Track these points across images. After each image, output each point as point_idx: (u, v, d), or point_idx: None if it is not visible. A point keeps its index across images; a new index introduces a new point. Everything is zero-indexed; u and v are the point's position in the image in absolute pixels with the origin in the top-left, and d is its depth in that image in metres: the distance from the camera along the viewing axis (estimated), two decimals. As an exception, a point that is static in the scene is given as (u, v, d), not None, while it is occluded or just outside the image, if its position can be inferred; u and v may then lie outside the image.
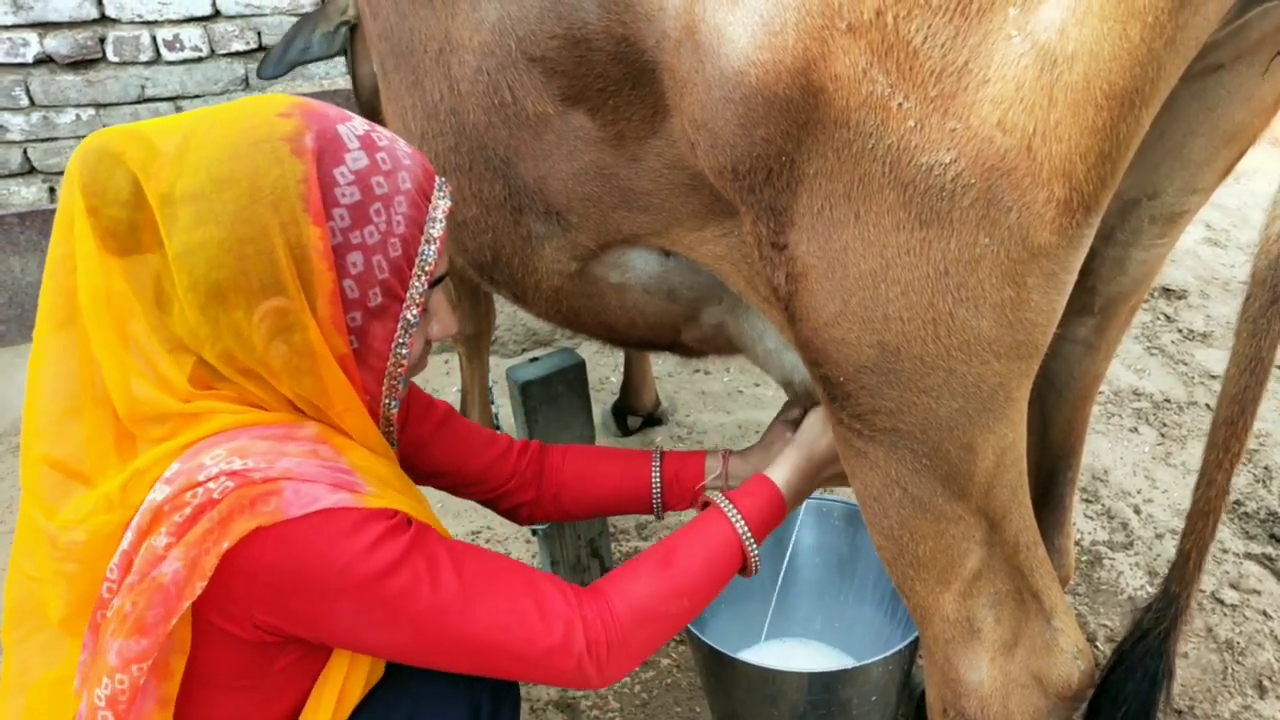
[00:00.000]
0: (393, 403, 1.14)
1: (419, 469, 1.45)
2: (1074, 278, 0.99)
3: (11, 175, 3.96)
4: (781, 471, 1.34)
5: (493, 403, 2.71)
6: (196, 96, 4.06)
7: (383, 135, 1.08)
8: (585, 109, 1.17)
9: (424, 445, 1.44)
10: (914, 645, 1.58)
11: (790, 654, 1.93)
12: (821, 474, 1.37)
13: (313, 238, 0.99)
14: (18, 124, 3.87)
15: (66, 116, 3.92)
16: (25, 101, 3.84)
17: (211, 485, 0.95)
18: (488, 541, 2.57)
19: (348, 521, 1.00)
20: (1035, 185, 0.90)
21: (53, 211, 1.07)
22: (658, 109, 1.14)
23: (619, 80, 1.13)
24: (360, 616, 1.02)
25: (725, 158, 1.04)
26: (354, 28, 2.45)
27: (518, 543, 2.56)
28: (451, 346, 3.39)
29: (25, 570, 1.03)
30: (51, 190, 4.03)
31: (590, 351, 3.41)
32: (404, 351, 1.10)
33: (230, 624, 1.00)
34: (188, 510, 0.95)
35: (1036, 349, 1.02)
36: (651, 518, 2.59)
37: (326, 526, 0.99)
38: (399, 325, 1.09)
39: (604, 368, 3.36)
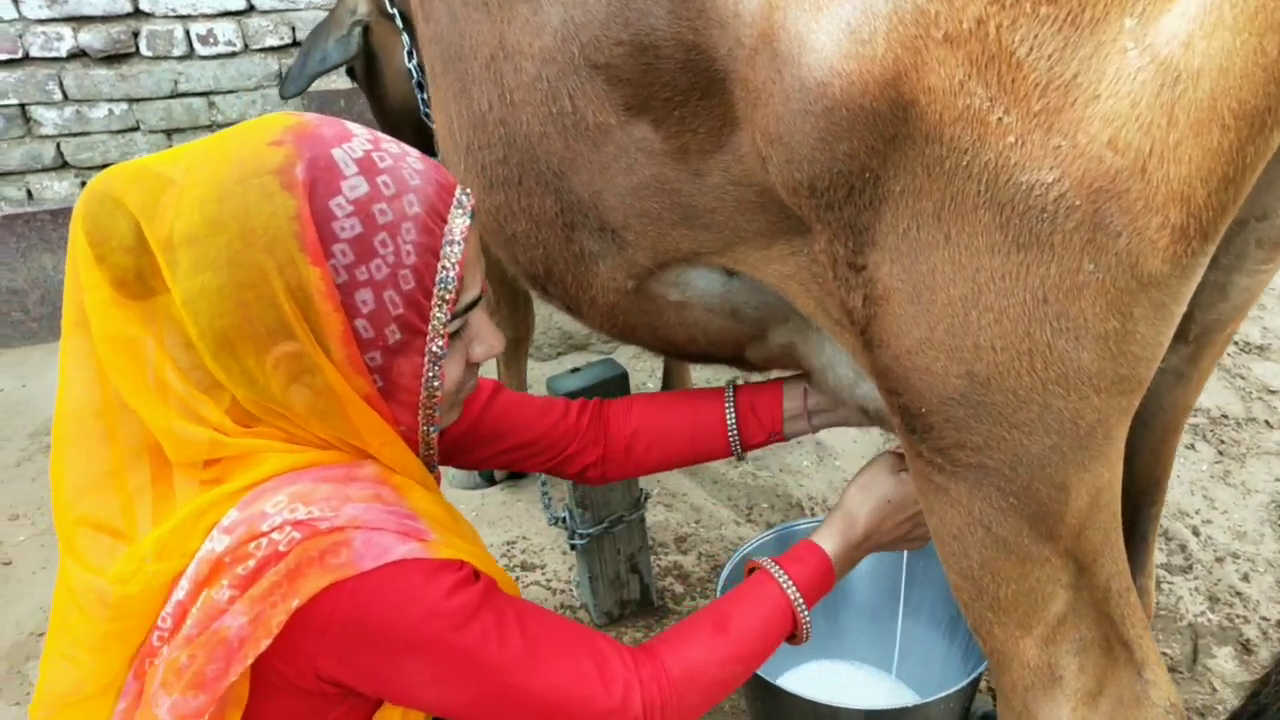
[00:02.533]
0: (432, 429, 1.08)
1: (475, 450, 1.40)
2: (1183, 309, 0.92)
3: (45, 170, 3.94)
4: (830, 539, 1.28)
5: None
6: (230, 92, 4.02)
7: (387, 154, 0.98)
8: (649, 120, 1.11)
9: (476, 425, 1.39)
10: (976, 681, 1.51)
11: (838, 677, 1.86)
12: (866, 546, 1.30)
13: (313, 279, 0.92)
14: (51, 118, 3.85)
15: (99, 111, 3.89)
16: (59, 96, 3.82)
17: (276, 536, 0.89)
18: (523, 552, 2.52)
19: (419, 574, 0.94)
20: (1148, 210, 0.83)
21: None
22: (726, 121, 1.07)
23: (687, 90, 1.07)
24: (427, 673, 0.97)
25: (802, 173, 0.97)
26: (367, 28, 2.40)
27: (554, 554, 2.50)
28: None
29: (62, 650, 0.96)
30: (83, 184, 4.02)
31: (626, 357, 3.35)
32: (436, 384, 1.03)
33: (292, 673, 0.95)
34: (251, 563, 0.89)
35: (1139, 384, 0.95)
36: (690, 531, 2.53)
37: (399, 580, 0.93)
38: (425, 360, 1.01)
39: (641, 374, 3.30)
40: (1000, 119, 0.85)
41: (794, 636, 1.23)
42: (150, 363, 0.94)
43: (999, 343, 0.92)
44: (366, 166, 0.96)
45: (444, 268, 0.99)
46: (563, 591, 2.38)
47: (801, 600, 1.21)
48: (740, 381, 1.49)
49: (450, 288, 1.00)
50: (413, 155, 1.02)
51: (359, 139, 0.98)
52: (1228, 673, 2.04)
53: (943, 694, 1.45)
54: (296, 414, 0.96)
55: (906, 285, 0.96)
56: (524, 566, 2.47)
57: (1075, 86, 0.82)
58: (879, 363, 1.03)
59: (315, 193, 0.92)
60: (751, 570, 1.27)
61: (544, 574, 2.44)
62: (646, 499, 2.19)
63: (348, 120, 1.02)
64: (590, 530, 2.13)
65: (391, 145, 1.01)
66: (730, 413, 1.43)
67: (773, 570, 1.23)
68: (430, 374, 1.02)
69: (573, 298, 1.35)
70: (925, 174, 0.90)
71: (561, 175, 1.21)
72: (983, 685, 1.94)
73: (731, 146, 1.08)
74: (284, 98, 2.56)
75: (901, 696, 1.81)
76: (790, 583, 1.21)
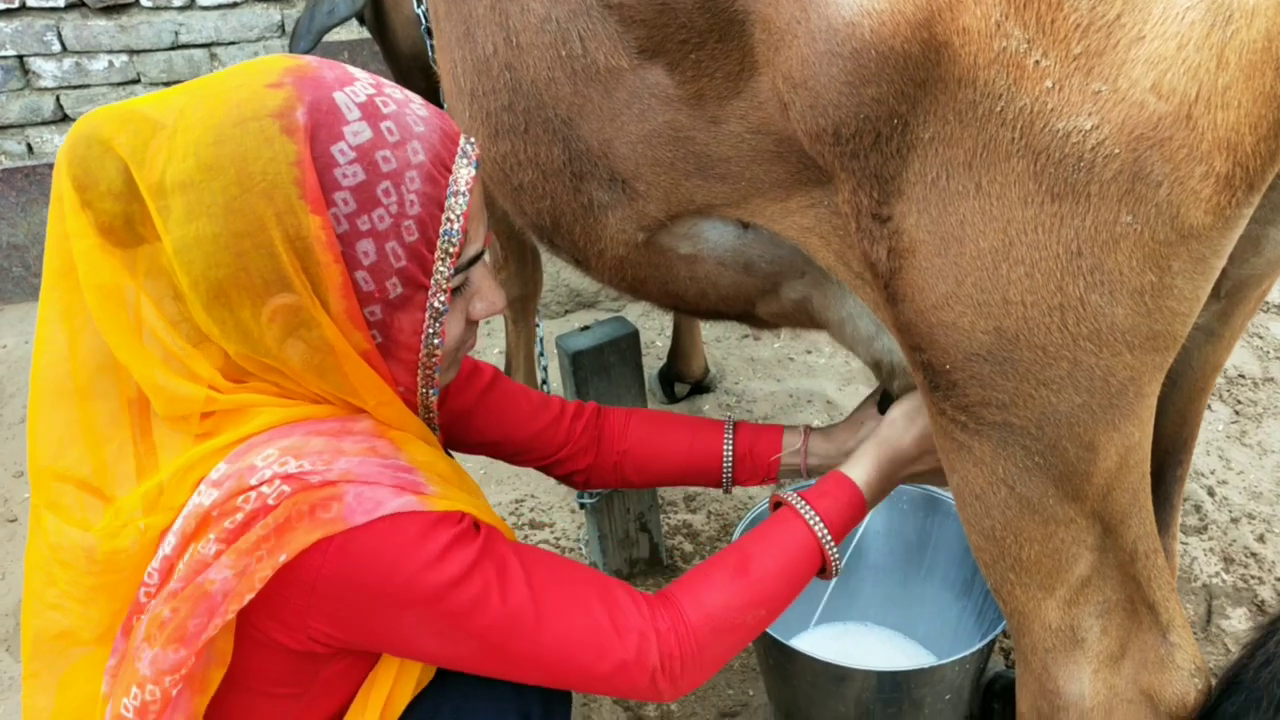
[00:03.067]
0: (431, 392, 1.04)
1: (466, 438, 1.37)
2: (1223, 263, 0.88)
3: (44, 123, 3.88)
4: (861, 469, 1.24)
5: (544, 367, 2.62)
6: (231, 43, 3.95)
7: (390, 99, 0.94)
8: (663, 63, 1.06)
9: (470, 413, 1.35)
10: (992, 643, 1.49)
11: (851, 638, 1.85)
12: (902, 473, 1.27)
13: (313, 227, 0.88)
14: (50, 70, 3.78)
15: (99, 63, 3.83)
16: (57, 47, 3.75)
17: (265, 489, 0.87)
18: (531, 510, 2.50)
19: (414, 528, 0.92)
20: (1192, 158, 0.80)
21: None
22: (745, 65, 1.03)
23: (704, 31, 1.02)
24: (425, 627, 0.95)
25: (826, 119, 0.93)
26: None
27: (562, 512, 2.49)
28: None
29: (48, 600, 0.94)
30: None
31: (636, 314, 3.31)
32: (436, 341, 0.99)
33: (282, 632, 0.93)
34: (240, 516, 0.86)
35: (1175, 340, 0.91)
36: (699, 490, 2.51)
37: (392, 534, 0.90)
38: (426, 315, 0.97)
39: (650, 331, 3.27)
40: (1038, 62, 0.81)
41: (822, 573, 1.20)
42: (138, 314, 0.91)
43: (1029, 297, 0.89)
44: (370, 111, 0.92)
45: (448, 219, 0.95)
46: (572, 550, 2.37)
47: (830, 536, 1.17)
48: (738, 420, 1.46)
49: (455, 240, 0.96)
50: (416, 101, 0.98)
51: (361, 83, 0.94)
52: (1242, 633, 2.03)
53: (958, 656, 1.43)
54: (291, 369, 0.93)
55: (934, 237, 0.92)
56: (532, 525, 2.46)
57: (1118, 27, 0.78)
58: (902, 317, 0.99)
59: (317, 137, 0.88)
60: (776, 505, 1.23)
61: (552, 532, 2.43)
62: (656, 457, 2.17)
63: (357, 69, 0.98)
64: (600, 489, 2.11)
65: (395, 90, 0.97)
66: (728, 453, 1.40)
67: (799, 506, 1.19)
68: (431, 330, 0.98)
69: (581, 250, 1.31)
70: (957, 120, 0.87)
71: (570, 122, 1.17)
72: (995, 646, 1.93)
73: (750, 92, 1.04)
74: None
75: (916, 658, 1.80)
76: (817, 518, 1.17)
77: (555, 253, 1.41)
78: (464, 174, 0.97)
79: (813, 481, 1.28)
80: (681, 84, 1.07)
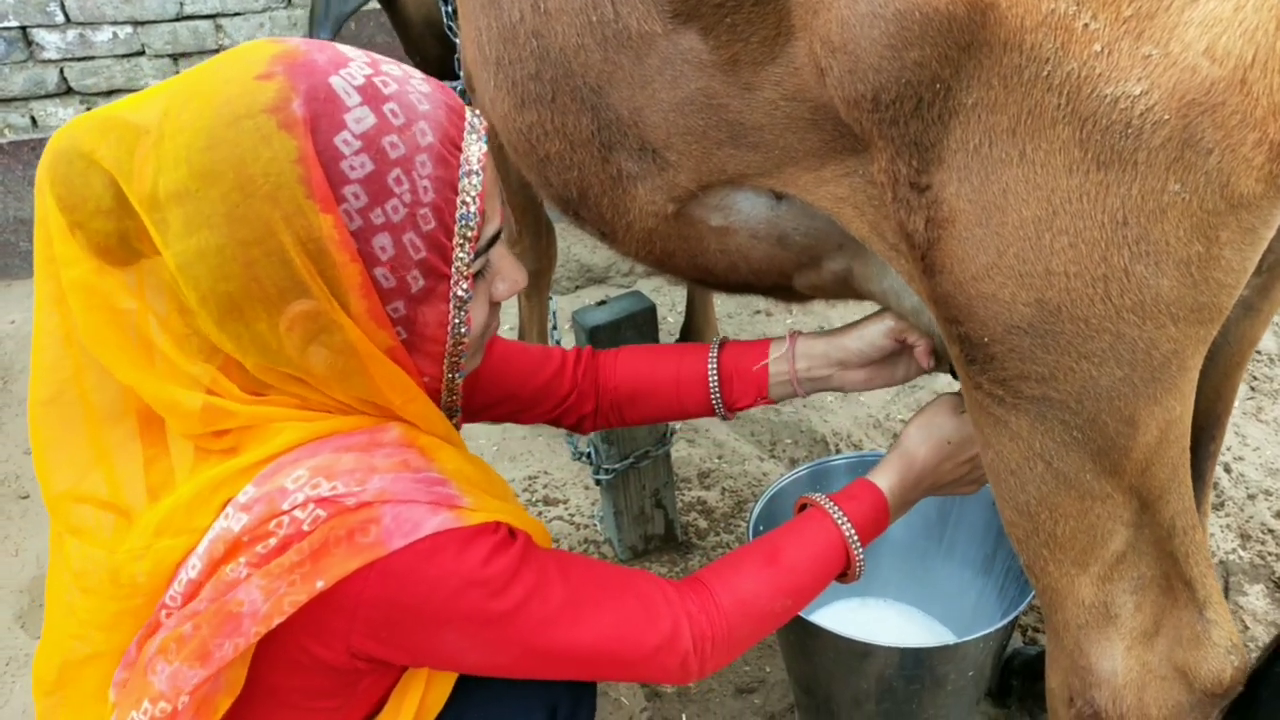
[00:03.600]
0: (457, 376, 1.01)
1: (474, 402, 1.34)
2: (1272, 234, 0.87)
3: (49, 96, 3.86)
4: (885, 477, 1.23)
5: (557, 342, 2.60)
6: (236, 14, 3.92)
7: (390, 78, 0.88)
8: (698, 28, 1.04)
9: (476, 376, 1.32)
10: (1014, 620, 1.48)
11: (870, 614, 1.84)
12: (923, 483, 1.25)
13: (325, 227, 0.82)
14: (53, 42, 3.75)
15: (103, 34, 3.80)
16: (61, 18, 3.72)
17: (299, 514, 0.83)
18: (545, 487, 2.50)
19: (454, 546, 0.90)
20: (1245, 125, 0.78)
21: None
22: (780, 30, 1.00)
23: (740, -6, 1.00)
24: (468, 641, 0.94)
25: (866, 85, 0.91)
26: None
27: (576, 489, 2.48)
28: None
29: (69, 630, 0.90)
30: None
31: (649, 289, 3.29)
32: (463, 330, 0.95)
33: (324, 651, 0.91)
34: (272, 541, 0.83)
35: (1220, 313, 0.89)
36: (714, 467, 2.51)
37: (432, 554, 0.88)
38: (450, 305, 0.93)
39: (662, 307, 3.25)
40: (1087, 25, 0.79)
41: (845, 574, 1.20)
42: (143, 335, 0.86)
43: (1073, 268, 0.87)
44: (370, 94, 0.85)
45: (464, 202, 0.90)
46: (586, 526, 2.36)
47: (856, 536, 1.18)
48: (734, 337, 1.42)
49: (473, 224, 0.91)
50: (416, 77, 0.92)
51: (356, 63, 0.88)
52: (1259, 610, 2.02)
53: (982, 633, 1.42)
54: (315, 377, 0.89)
55: (975, 206, 0.90)
56: (546, 501, 2.45)
57: (1172, -13, 0.76)
58: (940, 289, 0.97)
59: (318, 129, 0.82)
60: (803, 506, 1.23)
61: (567, 509, 2.42)
62: (673, 434, 2.16)
63: (348, 46, 0.92)
64: (615, 465, 2.10)
65: (392, 67, 0.90)
66: (713, 374, 1.37)
67: (827, 506, 1.19)
68: (456, 320, 0.94)
69: (607, 223, 1.29)
70: (1001, 85, 0.84)
71: (599, 91, 1.15)
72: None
73: (786, 58, 1.02)
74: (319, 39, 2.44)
75: (936, 634, 1.79)
76: (845, 518, 1.18)
77: (580, 225, 1.39)
78: (475, 151, 0.91)
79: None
80: (716, 49, 1.05)
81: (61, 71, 3.84)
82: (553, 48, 1.15)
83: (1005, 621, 1.44)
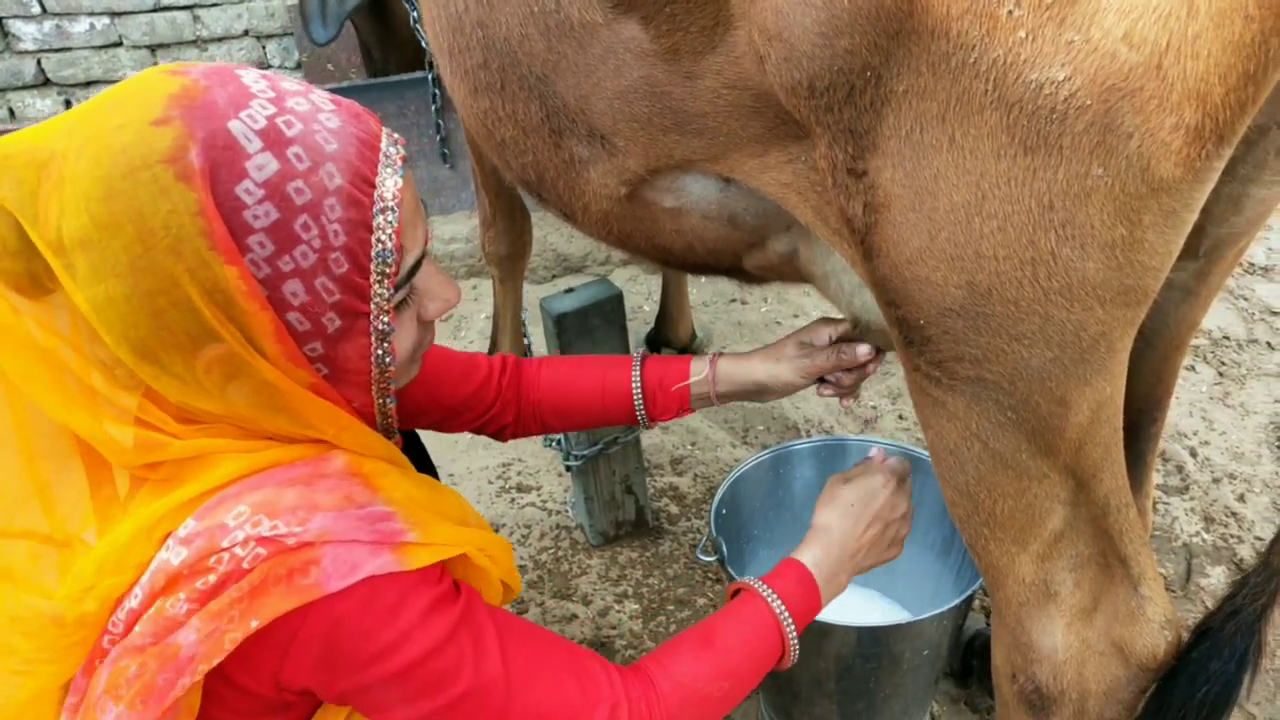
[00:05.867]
0: (388, 401, 0.99)
1: (400, 411, 1.30)
2: (1195, 217, 0.88)
3: (25, 88, 3.85)
4: (809, 552, 1.23)
5: (525, 335, 2.62)
6: (214, 5, 3.91)
7: (294, 116, 0.84)
8: (638, 17, 1.05)
9: (403, 389, 1.32)
10: (969, 599, 1.51)
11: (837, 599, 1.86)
12: (845, 556, 1.25)
13: (230, 278, 0.80)
14: (30, 33, 3.74)
15: (80, 25, 3.79)
16: (37, 9, 3.71)
17: (240, 551, 0.83)
18: (518, 474, 2.51)
19: (393, 593, 0.88)
20: (1162, 109, 0.79)
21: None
22: (719, 19, 1.02)
23: (679, -17, 1.01)
24: (395, 693, 0.92)
25: (801, 72, 0.92)
26: None
27: (549, 475, 2.50)
28: (484, 269, 3.31)
29: (9, 667, 0.87)
30: (67, 103, 3.92)
31: (623, 279, 3.31)
32: (388, 360, 0.93)
33: (254, 684, 0.90)
34: (212, 578, 0.83)
35: (1146, 295, 0.91)
36: (686, 453, 2.52)
37: (370, 600, 0.87)
38: (371, 339, 0.91)
39: (637, 296, 3.26)
40: (1011, 11, 0.80)
41: (782, 659, 1.19)
42: (65, 367, 0.84)
43: (1002, 251, 0.89)
44: (272, 138, 0.82)
45: (379, 240, 0.87)
46: (558, 512, 2.38)
47: (786, 612, 1.17)
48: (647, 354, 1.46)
49: (389, 260, 0.88)
50: (325, 109, 0.87)
51: (259, 100, 0.83)
52: (1220, 591, 2.05)
53: (935, 612, 1.44)
54: (240, 414, 0.87)
55: (908, 191, 0.92)
56: (519, 489, 2.47)
57: (1091, -25, 0.77)
58: (878, 273, 0.99)
59: (217, 179, 0.79)
60: (736, 593, 1.22)
61: (539, 495, 2.44)
62: (642, 420, 2.18)
63: (253, 73, 0.87)
64: (585, 452, 2.12)
65: (299, 100, 0.86)
66: (637, 389, 1.40)
67: (757, 587, 1.19)
68: (379, 352, 0.92)
69: (566, 204, 1.31)
70: (930, 72, 0.86)
71: (545, 79, 1.16)
72: (975, 604, 1.95)
73: (726, 46, 1.03)
74: (317, 44, 2.40)
75: (895, 616, 1.81)
76: (772, 593, 1.17)
77: (545, 207, 1.41)
78: (390, 185, 0.88)
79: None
80: (656, 39, 1.06)
81: (39, 63, 3.83)
82: (497, 37, 1.16)
83: (958, 601, 1.46)
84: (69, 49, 3.82)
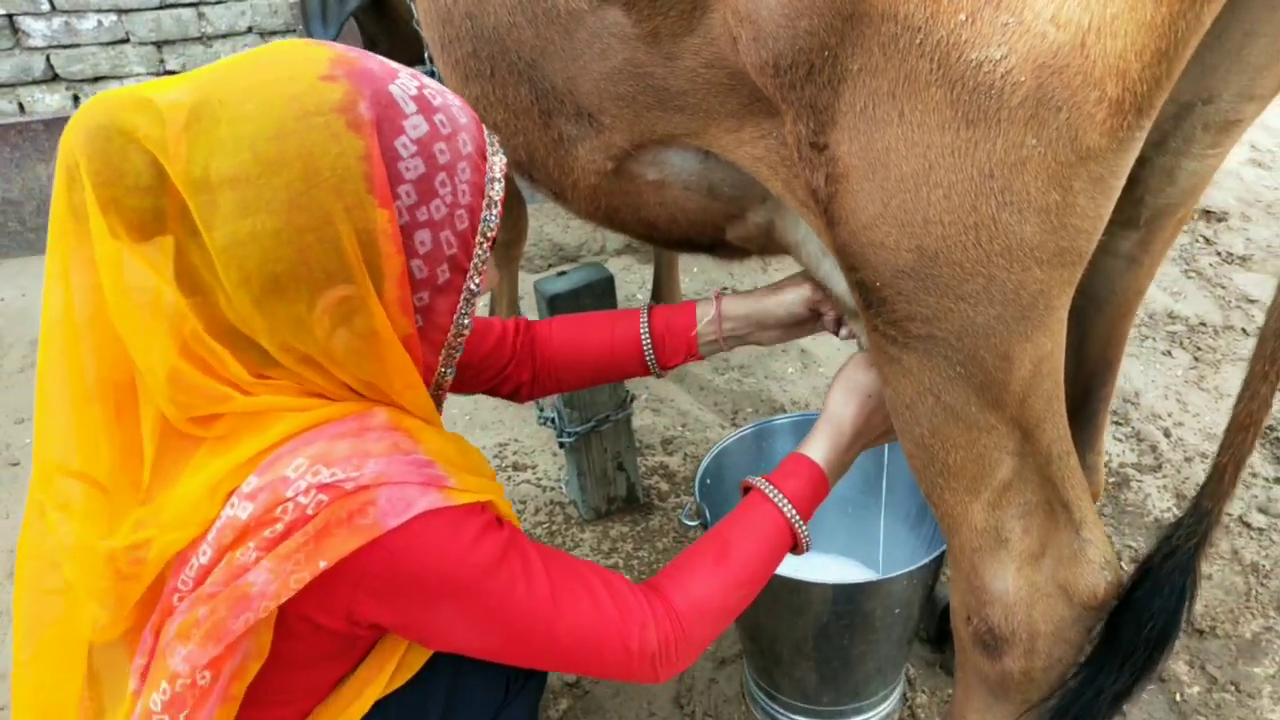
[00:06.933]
0: (448, 371, 1.09)
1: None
2: (1121, 183, 0.96)
3: (35, 83, 3.92)
4: (818, 448, 1.30)
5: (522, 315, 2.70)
6: (219, 2, 3.99)
7: (435, 90, 0.98)
8: (620, 4, 1.14)
9: None
10: (938, 560, 1.59)
11: (814, 566, 1.94)
12: (855, 444, 1.33)
13: (380, 221, 0.90)
14: (39, 29, 3.82)
15: (88, 22, 3.87)
16: (46, 6, 3.79)
17: (303, 500, 0.89)
18: (515, 453, 2.60)
19: (445, 525, 0.96)
20: (1087, 84, 0.87)
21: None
22: (697, 3, 1.10)
23: (658, -29, 1.09)
24: (459, 616, 1.00)
25: (767, 51, 1.01)
26: None
27: (544, 455, 2.58)
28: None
29: (47, 586, 0.96)
30: (75, 99, 4.00)
31: (617, 269, 3.39)
32: (466, 322, 1.04)
33: (327, 619, 0.98)
34: (279, 526, 0.89)
35: (1080, 256, 0.99)
36: (676, 434, 2.61)
37: (426, 533, 0.95)
38: (461, 297, 1.02)
39: (630, 285, 3.34)
40: (952, -4, 0.88)
41: (794, 549, 1.27)
42: (162, 310, 0.90)
43: (947, 217, 0.96)
44: (423, 104, 0.95)
45: (489, 205, 1.01)
46: (552, 489, 2.47)
47: (798, 515, 1.24)
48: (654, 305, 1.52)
49: (494, 225, 1.01)
50: (449, 91, 1.01)
51: (404, 74, 0.97)
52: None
53: (905, 570, 1.53)
54: (334, 358, 0.95)
55: (863, 163, 1.00)
56: (516, 467, 2.55)
57: (1024, -36, 0.85)
58: (839, 239, 1.07)
59: (382, 131, 0.91)
60: (746, 489, 1.29)
61: (535, 474, 2.52)
62: (632, 400, 2.26)
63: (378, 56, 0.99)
64: (577, 429, 2.20)
65: (430, 81, 1.00)
66: (646, 337, 1.46)
67: (767, 490, 1.25)
68: (463, 310, 1.03)
69: (556, 182, 1.39)
70: (881, 52, 0.94)
71: (534, 64, 1.24)
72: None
73: (703, 29, 1.11)
74: (318, 35, 2.46)
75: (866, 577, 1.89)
76: (785, 500, 1.24)
77: (536, 187, 1.49)
78: (498, 160, 1.03)
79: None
80: (638, 23, 1.14)
81: (48, 58, 3.90)
82: (486, 27, 1.24)
83: (926, 560, 1.54)
84: (77, 45, 3.90)
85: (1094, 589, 1.15)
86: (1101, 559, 1.15)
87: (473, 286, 1.02)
